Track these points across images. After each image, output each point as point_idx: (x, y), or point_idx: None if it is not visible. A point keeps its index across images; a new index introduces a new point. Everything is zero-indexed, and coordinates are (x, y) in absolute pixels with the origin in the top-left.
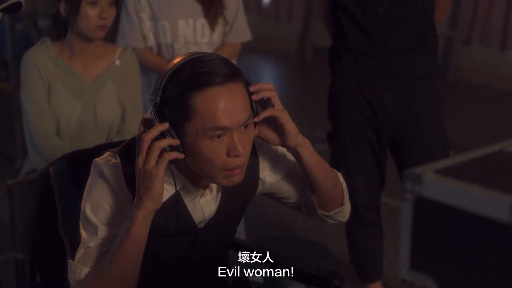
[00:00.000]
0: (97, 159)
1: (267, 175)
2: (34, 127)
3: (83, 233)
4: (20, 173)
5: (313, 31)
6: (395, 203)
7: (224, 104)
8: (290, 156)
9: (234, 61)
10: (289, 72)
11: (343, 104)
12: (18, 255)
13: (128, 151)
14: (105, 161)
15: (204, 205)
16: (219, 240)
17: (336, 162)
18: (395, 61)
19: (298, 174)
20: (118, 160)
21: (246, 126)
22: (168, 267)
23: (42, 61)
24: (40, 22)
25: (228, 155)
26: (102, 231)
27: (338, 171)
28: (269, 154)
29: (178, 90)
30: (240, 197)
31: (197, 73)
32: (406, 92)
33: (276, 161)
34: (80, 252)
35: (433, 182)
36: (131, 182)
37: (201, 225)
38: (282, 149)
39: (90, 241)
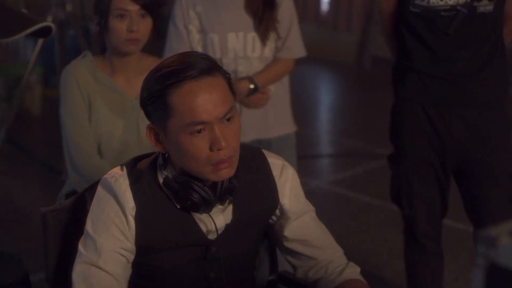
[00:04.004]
0: (105, 175)
1: (287, 203)
2: (73, 146)
3: (80, 248)
4: (59, 193)
5: (372, 41)
6: (456, 226)
7: (201, 99)
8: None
9: (286, 76)
10: (347, 83)
11: (406, 127)
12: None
13: (135, 162)
14: (112, 176)
15: (212, 215)
16: (236, 259)
17: (396, 186)
18: (462, 83)
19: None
20: (124, 171)
21: (228, 120)
22: (185, 285)
23: (82, 76)
24: (92, 27)
25: (211, 149)
26: (101, 245)
27: (398, 196)
28: (292, 188)
29: (158, 87)
30: (254, 212)
31: (173, 70)
32: (474, 117)
33: (298, 199)
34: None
35: (510, 247)
36: (136, 191)
37: (211, 237)
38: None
39: (88, 255)
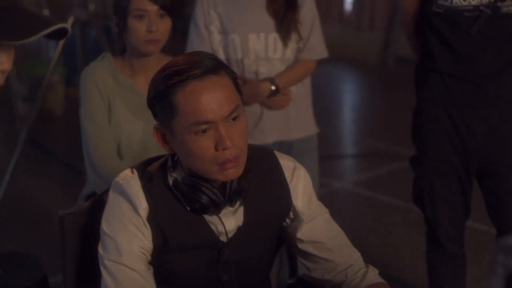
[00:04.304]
0: (116, 178)
1: (300, 205)
2: (93, 148)
3: (100, 251)
4: (80, 194)
5: (396, 40)
6: (479, 227)
7: (205, 98)
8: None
9: (308, 78)
10: (370, 83)
11: (429, 129)
12: None
13: (145, 165)
14: (123, 178)
15: (222, 217)
16: (249, 262)
17: (418, 189)
18: (485, 84)
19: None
20: (135, 174)
21: (234, 119)
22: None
23: (102, 78)
24: (114, 27)
25: (216, 149)
26: (121, 244)
27: (420, 198)
28: (304, 190)
29: (163, 87)
30: (266, 214)
31: (178, 69)
32: (496, 119)
33: (310, 200)
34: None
35: None
36: (147, 193)
37: (223, 239)
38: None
39: (110, 256)
